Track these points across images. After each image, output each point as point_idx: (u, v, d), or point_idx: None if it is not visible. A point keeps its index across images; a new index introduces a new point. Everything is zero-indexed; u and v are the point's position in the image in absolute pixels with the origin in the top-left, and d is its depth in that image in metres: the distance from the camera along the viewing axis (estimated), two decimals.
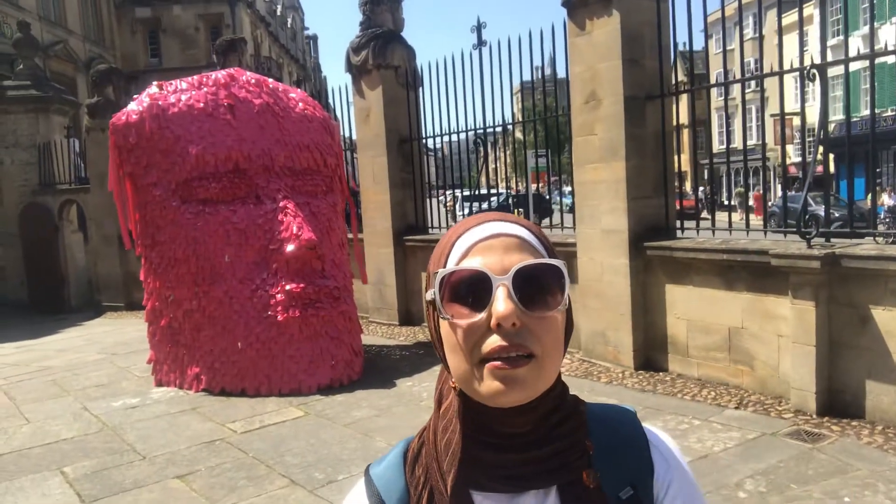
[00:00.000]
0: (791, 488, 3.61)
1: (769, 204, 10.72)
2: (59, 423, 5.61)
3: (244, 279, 6.11)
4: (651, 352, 6.04)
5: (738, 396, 5.19)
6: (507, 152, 10.10)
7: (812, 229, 4.88)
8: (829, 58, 5.26)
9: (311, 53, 60.57)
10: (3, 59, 17.25)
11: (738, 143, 23.70)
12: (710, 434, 4.44)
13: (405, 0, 9.06)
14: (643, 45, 5.93)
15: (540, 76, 7.77)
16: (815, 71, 4.88)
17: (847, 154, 5.35)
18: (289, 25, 46.90)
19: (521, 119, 9.23)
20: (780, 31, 5.29)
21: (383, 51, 8.69)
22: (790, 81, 5.78)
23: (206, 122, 6.23)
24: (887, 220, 15.75)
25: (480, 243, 0.82)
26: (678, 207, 6.27)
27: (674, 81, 6.10)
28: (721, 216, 6.46)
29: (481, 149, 8.45)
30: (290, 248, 5.99)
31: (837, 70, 5.26)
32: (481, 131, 8.21)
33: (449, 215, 10.38)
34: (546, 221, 8.97)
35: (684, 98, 6.45)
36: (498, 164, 9.24)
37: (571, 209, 6.74)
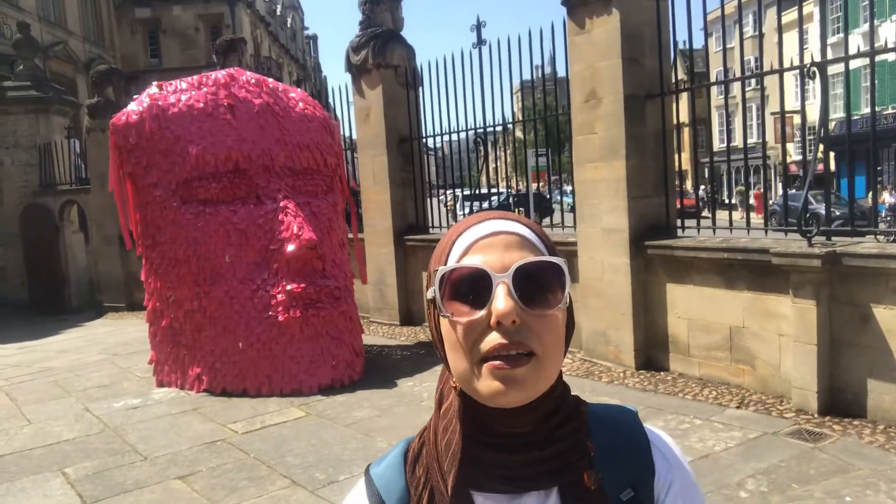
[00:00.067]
0: (792, 488, 3.60)
1: (770, 202, 10.72)
2: (60, 423, 5.61)
3: (245, 279, 6.10)
4: (652, 351, 6.03)
5: (739, 396, 5.19)
6: (508, 151, 10.10)
7: (813, 228, 4.87)
8: (830, 55, 5.25)
9: (310, 53, 60.58)
10: (3, 59, 17.26)
11: (738, 141, 23.70)
12: (712, 433, 4.44)
13: None
14: (643, 44, 5.92)
15: (540, 75, 7.76)
16: (815, 69, 4.87)
17: (848, 152, 5.34)
18: (288, 25, 46.90)
19: (521, 118, 9.23)
20: (780, 29, 5.28)
21: (383, 50, 8.69)
22: (790, 79, 5.77)
23: (206, 123, 6.23)
24: (888, 218, 15.73)
25: (481, 241, 0.82)
26: (679, 206, 6.27)
27: (674, 80, 6.09)
28: (722, 215, 6.46)
29: (481, 148, 8.45)
30: (290, 248, 5.98)
31: (838, 68, 5.25)
32: (481, 130, 8.21)
33: (449, 215, 10.38)
34: (546, 220, 8.97)
35: (684, 96, 6.45)
36: (498, 164, 9.23)
37: (572, 208, 6.74)
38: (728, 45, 12.24)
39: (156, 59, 30.51)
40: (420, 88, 8.92)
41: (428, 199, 9.13)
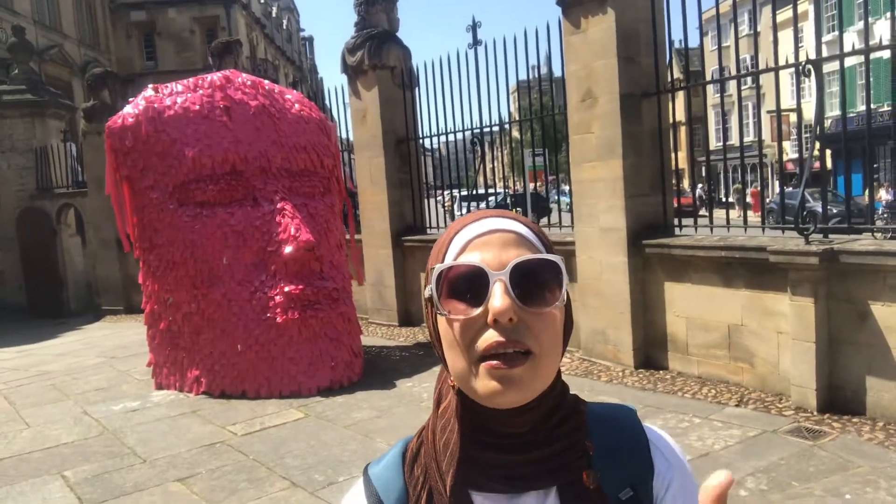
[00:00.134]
0: (792, 486, 3.61)
1: (767, 200, 10.73)
2: (59, 427, 5.60)
3: (243, 281, 6.10)
4: (651, 350, 6.04)
5: (738, 394, 5.19)
6: (505, 151, 10.10)
7: (810, 225, 4.88)
8: (825, 53, 5.26)
9: (306, 55, 60.51)
10: None
11: (734, 139, 23.72)
12: (711, 432, 4.44)
13: (400, 0, 9.07)
14: (638, 43, 5.93)
15: (536, 75, 7.77)
16: (810, 66, 4.88)
17: (844, 150, 5.35)
18: (284, 27, 46.87)
19: (517, 118, 9.23)
20: (776, 28, 5.29)
21: (379, 51, 8.69)
22: (786, 78, 5.78)
23: (203, 125, 6.22)
24: (885, 215, 15.75)
25: (478, 239, 0.82)
26: (676, 205, 6.27)
27: (670, 79, 6.10)
28: (719, 213, 6.47)
29: (478, 148, 8.45)
30: (288, 249, 5.98)
31: (833, 66, 5.27)
32: (478, 131, 8.21)
33: (447, 215, 10.37)
34: (544, 220, 8.97)
35: (680, 95, 6.45)
36: (495, 164, 9.23)
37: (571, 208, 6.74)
38: (724, 44, 12.25)
39: (151, 62, 30.46)
40: (416, 89, 8.91)
41: (425, 200, 9.13)
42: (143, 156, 6.30)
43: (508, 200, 9.40)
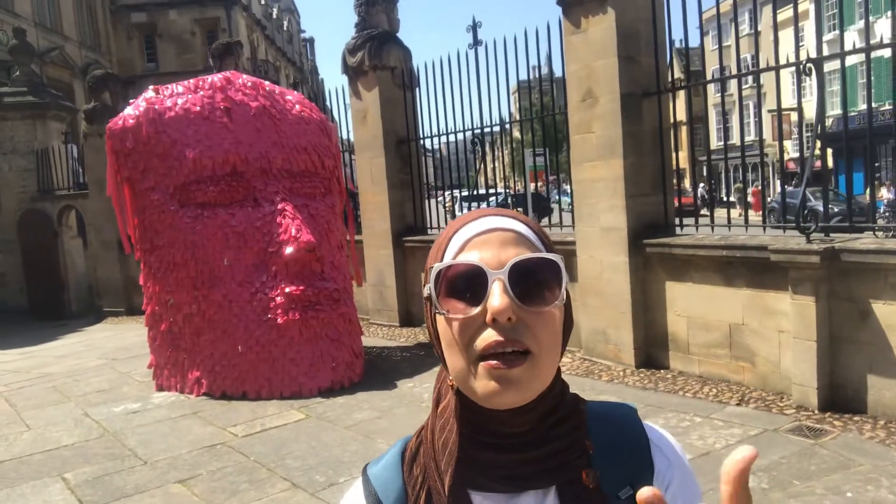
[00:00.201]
0: (793, 484, 3.60)
1: (768, 200, 10.72)
2: (59, 429, 5.60)
3: (243, 282, 6.10)
4: (652, 349, 6.03)
5: (739, 393, 5.19)
6: (505, 152, 10.10)
7: (811, 224, 4.88)
8: (826, 52, 5.26)
9: (307, 56, 60.54)
10: None
11: (735, 139, 23.70)
12: (712, 431, 4.44)
13: (400, 1, 9.07)
14: (639, 42, 5.92)
15: (536, 75, 7.76)
16: (811, 65, 4.87)
17: (845, 148, 5.34)
18: (285, 28, 46.89)
19: (518, 118, 9.22)
20: (776, 27, 5.28)
21: (379, 52, 8.69)
22: (787, 77, 5.78)
23: (203, 126, 6.23)
24: (886, 214, 15.75)
25: (477, 237, 0.81)
26: (677, 204, 6.27)
27: (670, 78, 6.10)
28: (720, 212, 6.46)
29: (479, 148, 8.45)
30: (288, 250, 5.98)
31: (834, 65, 5.26)
32: (479, 131, 8.21)
33: (448, 216, 10.38)
34: (545, 220, 8.97)
35: (681, 94, 6.44)
36: (496, 164, 9.23)
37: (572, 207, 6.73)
38: (724, 43, 12.26)
39: (152, 64, 30.49)
40: (417, 90, 8.91)
41: (426, 201, 9.13)
42: (143, 157, 6.30)
43: (509, 201, 9.39)
